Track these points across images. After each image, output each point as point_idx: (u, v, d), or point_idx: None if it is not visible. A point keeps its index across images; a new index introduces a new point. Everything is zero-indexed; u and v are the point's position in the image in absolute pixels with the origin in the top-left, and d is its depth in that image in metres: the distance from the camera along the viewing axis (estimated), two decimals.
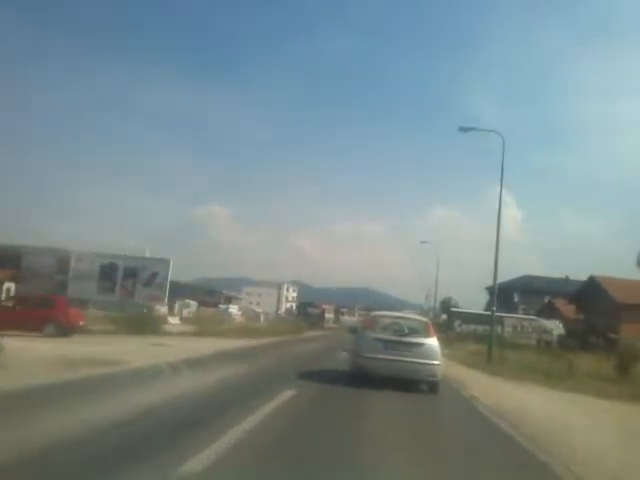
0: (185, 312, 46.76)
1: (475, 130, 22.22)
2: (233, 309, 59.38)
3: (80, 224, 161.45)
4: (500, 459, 5.80)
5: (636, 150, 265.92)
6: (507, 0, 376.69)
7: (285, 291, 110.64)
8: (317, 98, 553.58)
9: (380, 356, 10.05)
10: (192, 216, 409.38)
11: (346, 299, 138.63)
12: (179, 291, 52.14)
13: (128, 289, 39.23)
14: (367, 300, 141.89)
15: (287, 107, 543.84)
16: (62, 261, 40.25)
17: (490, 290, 35.93)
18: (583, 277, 45.27)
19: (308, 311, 73.28)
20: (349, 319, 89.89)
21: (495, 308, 22.41)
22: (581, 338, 36.09)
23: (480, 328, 39.81)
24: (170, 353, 13.99)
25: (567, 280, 59.92)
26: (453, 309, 54.98)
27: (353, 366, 10.79)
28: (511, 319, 45.62)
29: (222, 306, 60.43)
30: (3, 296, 32.89)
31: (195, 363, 12.00)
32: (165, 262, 40.69)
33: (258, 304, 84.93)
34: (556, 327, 43.88)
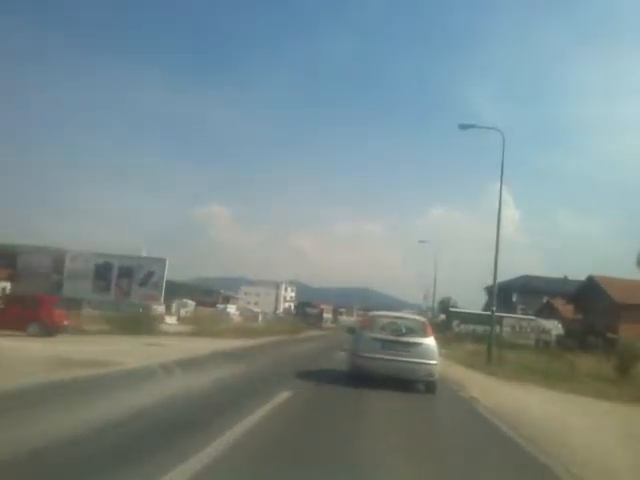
0: (182, 312, 46.65)
1: (475, 127, 22.15)
2: (231, 309, 59.31)
3: (80, 224, 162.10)
4: (500, 460, 5.77)
5: (636, 150, 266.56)
6: (507, 0, 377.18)
7: (283, 291, 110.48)
8: (317, 98, 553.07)
9: (378, 356, 10.06)
10: (192, 216, 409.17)
11: (344, 299, 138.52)
12: (176, 291, 52.00)
13: (123, 288, 39.04)
14: (366, 300, 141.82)
15: (287, 107, 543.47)
16: (58, 260, 40.03)
17: (489, 290, 35.87)
18: (582, 277, 45.34)
19: (306, 311, 73.30)
20: (347, 319, 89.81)
21: (495, 308, 22.27)
22: (580, 338, 36.08)
23: (479, 328, 39.76)
24: (164, 353, 13.82)
25: (566, 280, 60.02)
26: (452, 309, 55.01)
27: (351, 366, 10.81)
28: (510, 319, 45.60)
29: (220, 306, 60.32)
30: None
31: (189, 364, 11.86)
32: (161, 261, 40.51)
33: (256, 304, 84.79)
34: (555, 327, 43.88)
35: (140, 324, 22.83)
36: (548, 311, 50.72)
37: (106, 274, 39.45)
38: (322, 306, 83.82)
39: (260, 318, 59.72)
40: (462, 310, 51.64)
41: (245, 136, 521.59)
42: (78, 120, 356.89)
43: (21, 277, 39.61)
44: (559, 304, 49.87)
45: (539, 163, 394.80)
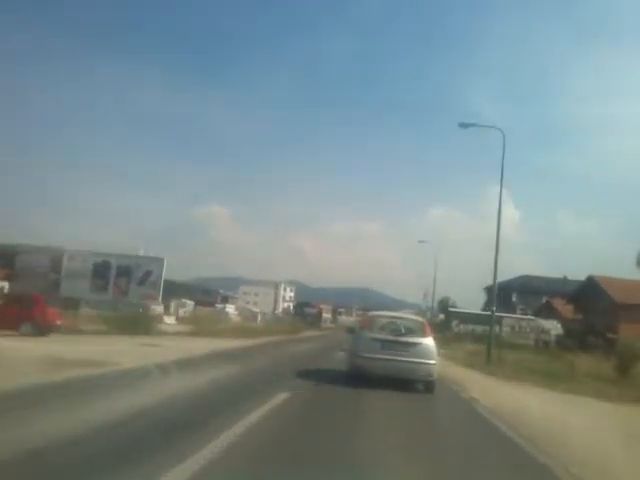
0: (181, 312, 46.56)
1: (475, 126, 22.07)
2: (230, 309, 59.28)
3: (80, 224, 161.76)
4: (499, 460, 5.76)
5: (635, 150, 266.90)
6: (507, 0, 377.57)
7: (282, 291, 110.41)
8: (317, 98, 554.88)
9: (377, 356, 10.05)
10: (191, 216, 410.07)
11: (344, 299, 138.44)
12: (176, 290, 51.95)
13: (121, 288, 39.00)
14: (365, 300, 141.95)
15: (287, 107, 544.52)
16: (56, 260, 40.01)
17: (488, 290, 35.84)
18: (582, 277, 45.30)
19: (305, 311, 73.32)
20: (347, 319, 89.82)
21: (495, 308, 22.21)
22: (579, 338, 36.06)
23: (478, 328, 39.74)
24: (161, 354, 13.68)
25: (565, 280, 59.98)
26: (451, 309, 55.00)
27: (351, 366, 10.81)
28: (509, 319, 45.58)
29: (219, 306, 60.32)
30: None
31: (187, 364, 11.78)
32: (159, 261, 40.49)
33: (255, 304, 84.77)
34: (554, 327, 43.87)
35: (138, 324, 22.66)
36: (548, 311, 50.69)
37: (104, 273, 39.40)
38: (321, 306, 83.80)
39: (259, 318, 59.63)
40: (461, 310, 51.62)
41: (245, 136, 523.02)
42: (78, 120, 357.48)
43: (19, 277, 39.56)
44: (559, 304, 49.83)
45: (539, 163, 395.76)
